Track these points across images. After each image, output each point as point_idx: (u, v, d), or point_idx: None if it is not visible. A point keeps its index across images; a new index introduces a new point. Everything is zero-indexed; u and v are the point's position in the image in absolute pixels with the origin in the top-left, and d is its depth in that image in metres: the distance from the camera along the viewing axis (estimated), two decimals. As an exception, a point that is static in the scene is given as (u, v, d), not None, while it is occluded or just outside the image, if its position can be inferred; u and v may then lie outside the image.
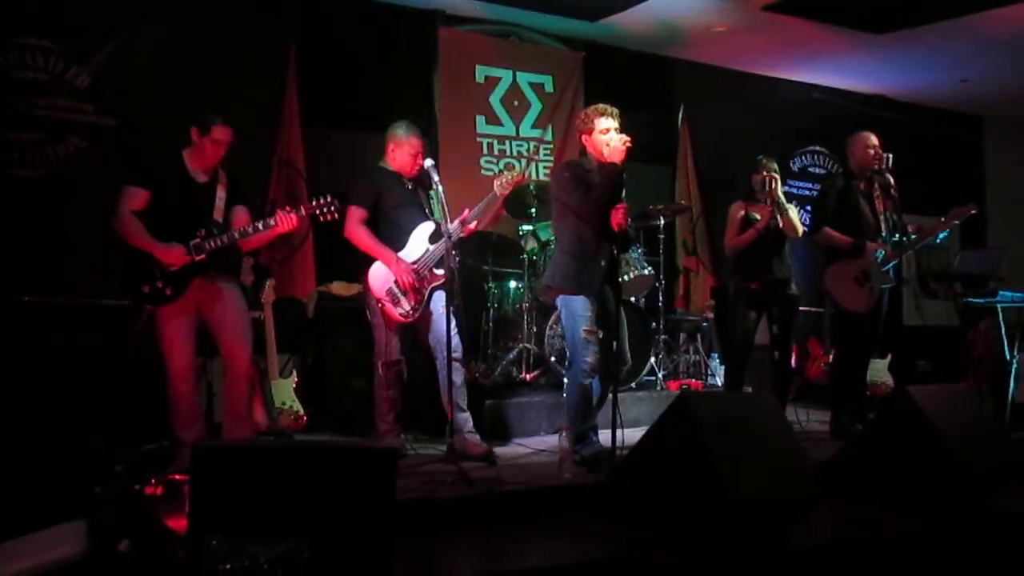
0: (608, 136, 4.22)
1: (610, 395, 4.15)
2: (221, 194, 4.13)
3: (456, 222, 4.36)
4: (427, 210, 4.53)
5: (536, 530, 3.48)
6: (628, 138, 4.17)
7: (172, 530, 3.11)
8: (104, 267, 4.31)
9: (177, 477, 3.61)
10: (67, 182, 5.06)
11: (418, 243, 4.45)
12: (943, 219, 5.16)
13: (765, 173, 5.07)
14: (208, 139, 4.05)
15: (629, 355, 4.28)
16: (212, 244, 4.01)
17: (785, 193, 5.17)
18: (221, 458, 2.81)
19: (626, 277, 5.54)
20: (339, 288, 5.66)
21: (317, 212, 4.18)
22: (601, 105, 4.30)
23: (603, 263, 4.25)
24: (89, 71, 5.18)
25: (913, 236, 5.19)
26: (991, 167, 9.41)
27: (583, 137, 4.36)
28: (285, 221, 4.07)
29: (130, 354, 4.59)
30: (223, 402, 4.26)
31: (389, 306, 4.39)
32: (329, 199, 4.19)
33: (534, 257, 5.83)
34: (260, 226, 4.07)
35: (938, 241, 5.25)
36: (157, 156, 4.18)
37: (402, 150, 4.46)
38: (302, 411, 4.92)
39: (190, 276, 4.01)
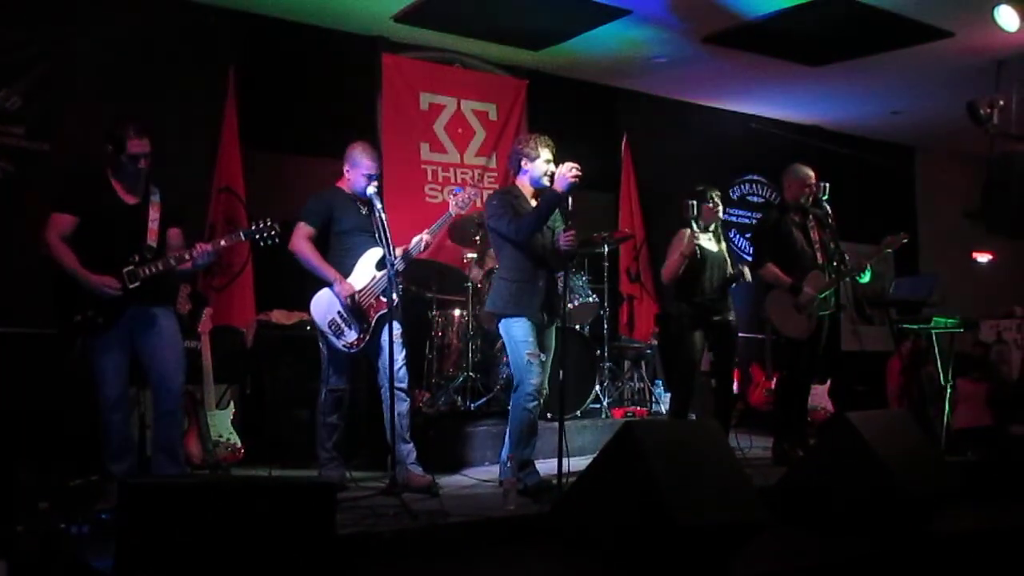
0: (550, 166, 4.27)
1: (556, 424, 4.14)
2: (154, 215, 3.98)
3: (416, 239, 4.37)
4: (378, 237, 4.38)
5: (481, 563, 3.42)
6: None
7: (98, 572, 2.97)
8: (30, 295, 4.14)
9: (105, 515, 3.45)
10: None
11: (365, 270, 4.38)
12: (864, 258, 5.23)
13: (712, 204, 5.12)
14: (125, 156, 3.88)
15: (546, 384, 4.34)
16: (147, 271, 3.88)
17: (724, 221, 5.23)
18: (151, 495, 2.70)
19: (570, 305, 5.54)
20: (280, 316, 5.54)
21: (257, 236, 4.09)
22: (544, 136, 4.37)
23: (541, 285, 4.28)
24: (20, 93, 5.02)
25: (849, 265, 5.27)
26: (922, 196, 9.71)
27: (524, 161, 4.35)
28: (202, 255, 3.93)
29: (58, 384, 4.42)
30: (152, 436, 4.11)
31: (332, 338, 4.31)
32: (269, 223, 4.10)
33: (478, 285, 5.80)
34: (186, 256, 3.93)
35: (868, 270, 5.28)
36: (82, 179, 4.02)
37: (356, 171, 4.38)
38: (240, 443, 4.80)
39: (124, 305, 3.87)
